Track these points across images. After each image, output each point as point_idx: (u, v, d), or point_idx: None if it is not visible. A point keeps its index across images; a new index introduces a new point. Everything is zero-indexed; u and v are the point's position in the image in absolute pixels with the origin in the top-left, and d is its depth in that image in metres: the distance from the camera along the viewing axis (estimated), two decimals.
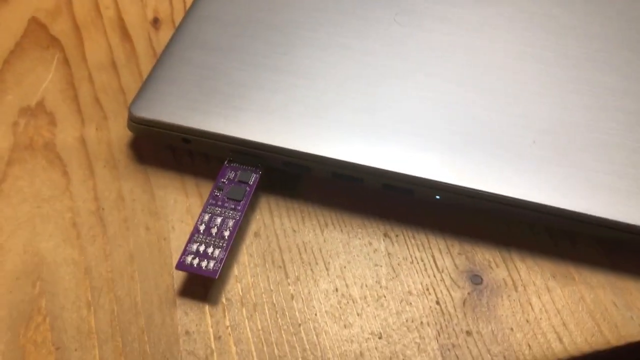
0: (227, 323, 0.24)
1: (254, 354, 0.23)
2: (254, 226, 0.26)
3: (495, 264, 0.25)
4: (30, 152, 0.29)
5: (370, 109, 0.27)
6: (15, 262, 0.25)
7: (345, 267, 0.25)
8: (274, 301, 0.24)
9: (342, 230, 0.26)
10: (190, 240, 0.25)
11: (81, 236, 0.26)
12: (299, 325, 0.24)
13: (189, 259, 0.24)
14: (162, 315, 0.24)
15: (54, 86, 0.31)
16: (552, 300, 0.24)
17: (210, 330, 0.24)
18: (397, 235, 0.26)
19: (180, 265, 0.24)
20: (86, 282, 0.25)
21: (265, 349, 0.23)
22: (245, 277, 0.25)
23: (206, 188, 0.28)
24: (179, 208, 0.27)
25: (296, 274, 0.25)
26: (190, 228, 0.26)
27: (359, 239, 0.26)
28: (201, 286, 0.25)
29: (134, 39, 0.33)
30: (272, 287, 0.25)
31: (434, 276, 0.25)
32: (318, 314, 0.24)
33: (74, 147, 0.29)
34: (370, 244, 0.26)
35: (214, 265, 0.24)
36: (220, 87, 0.27)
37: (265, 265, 0.25)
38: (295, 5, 0.31)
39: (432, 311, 0.24)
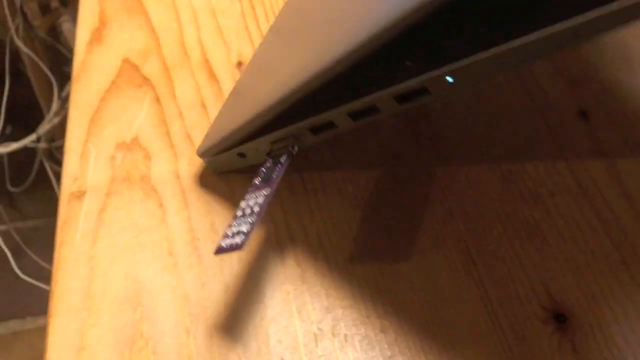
0: (319, 352, 0.25)
1: None
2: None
3: (580, 303, 0.26)
4: (127, 185, 0.30)
5: None
6: (117, 288, 0.27)
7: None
8: (364, 333, 0.25)
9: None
10: (228, 227, 0.25)
11: (178, 265, 0.27)
12: (390, 357, 0.25)
13: (223, 242, 0.25)
14: (257, 343, 0.25)
15: (148, 123, 0.33)
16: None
17: (304, 358, 0.25)
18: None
19: (218, 251, 0.24)
20: (184, 309, 0.26)
21: None
22: (335, 309, 0.26)
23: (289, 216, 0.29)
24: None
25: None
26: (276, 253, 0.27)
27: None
28: (292, 317, 0.26)
29: (220, 80, 0.35)
30: (363, 319, 0.26)
31: (525, 311, 0.26)
32: (412, 346, 0.25)
33: (168, 180, 0.31)
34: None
35: (242, 240, 0.24)
36: None
37: (353, 297, 0.26)
38: None
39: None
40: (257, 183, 0.27)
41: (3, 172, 1.13)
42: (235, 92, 0.31)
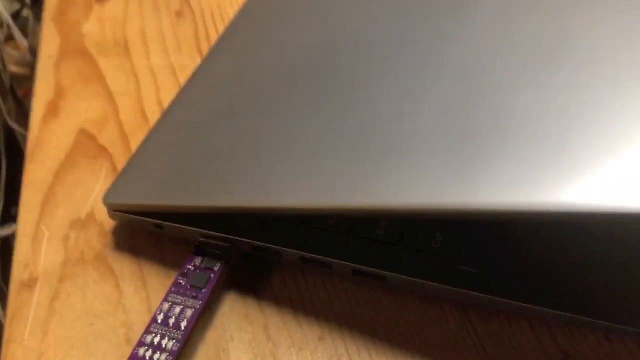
0: None
1: None
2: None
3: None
4: (81, 266, 0.28)
5: None
6: None
7: None
8: None
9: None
10: (147, 331, 0.23)
11: None
12: None
13: (141, 351, 0.23)
14: None
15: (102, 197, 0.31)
16: None
17: None
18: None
19: (133, 358, 0.23)
20: None
21: None
22: None
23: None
24: (234, 315, 0.25)
25: None
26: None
27: None
28: None
29: None
30: None
31: None
32: None
33: (125, 257, 0.28)
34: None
35: (165, 359, 0.22)
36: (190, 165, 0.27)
37: None
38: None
39: None
40: (182, 283, 0.25)
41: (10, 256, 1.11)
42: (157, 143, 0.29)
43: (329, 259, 0.24)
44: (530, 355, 0.22)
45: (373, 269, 0.24)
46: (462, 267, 0.23)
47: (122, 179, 0.28)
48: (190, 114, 0.30)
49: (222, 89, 0.30)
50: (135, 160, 0.29)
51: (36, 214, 0.30)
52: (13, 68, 0.97)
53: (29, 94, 1.00)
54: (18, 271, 0.28)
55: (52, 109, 0.36)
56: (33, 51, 0.94)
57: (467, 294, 0.23)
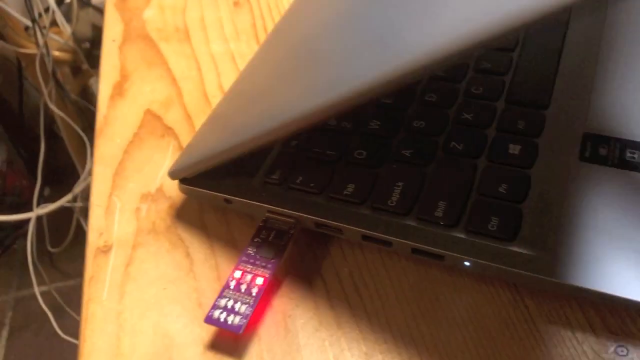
0: None
1: None
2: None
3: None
4: (153, 236, 0.30)
5: None
6: (146, 344, 0.26)
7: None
8: None
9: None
10: (220, 296, 0.25)
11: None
12: None
13: (216, 313, 0.25)
14: None
15: None
16: None
17: None
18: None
19: (208, 319, 0.25)
20: None
21: None
22: (374, 354, 0.24)
23: None
24: (299, 286, 0.27)
25: None
26: None
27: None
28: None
29: None
30: None
31: (574, 348, 0.24)
32: None
33: (194, 229, 0.30)
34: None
35: (239, 321, 0.24)
36: None
37: (393, 341, 0.25)
38: None
39: None
40: (251, 253, 0.26)
41: (43, 233, 1.15)
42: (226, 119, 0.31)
43: (390, 237, 0.26)
44: (582, 337, 0.24)
45: (432, 248, 0.25)
46: (518, 249, 0.24)
47: (187, 153, 0.30)
48: (252, 88, 0.31)
49: (279, 65, 0.32)
50: (199, 135, 0.31)
51: (108, 187, 0.32)
52: (55, 53, 1.00)
53: (69, 78, 1.03)
54: (93, 238, 0.30)
55: (118, 90, 0.38)
56: (76, 37, 0.97)
57: (522, 275, 0.24)
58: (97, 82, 1.02)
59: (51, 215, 1.07)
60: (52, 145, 1.06)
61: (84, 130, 1.02)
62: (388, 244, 0.26)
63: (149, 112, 0.36)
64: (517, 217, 0.25)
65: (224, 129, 0.29)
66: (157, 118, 0.36)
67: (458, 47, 0.17)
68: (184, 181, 0.30)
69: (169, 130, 0.35)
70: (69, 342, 1.02)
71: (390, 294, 0.26)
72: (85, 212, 1.12)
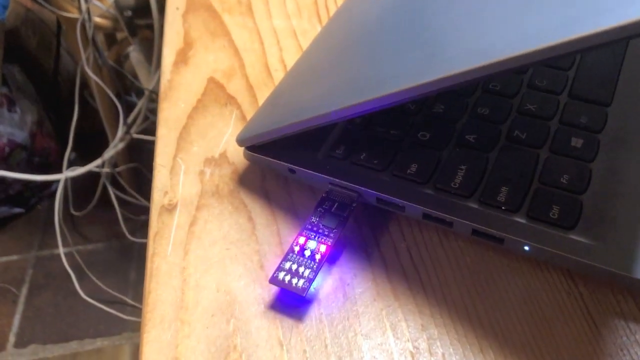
0: None
1: None
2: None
3: None
4: (217, 198, 0.31)
5: None
6: (209, 300, 0.27)
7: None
8: (463, 354, 0.24)
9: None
10: (285, 259, 0.26)
11: (268, 278, 0.27)
12: None
13: (281, 275, 0.26)
14: (351, 359, 0.24)
15: (234, 140, 0.33)
16: None
17: None
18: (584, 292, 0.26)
19: (273, 280, 0.26)
20: (277, 322, 0.26)
21: None
22: (430, 327, 0.25)
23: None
24: (357, 257, 0.28)
25: None
26: None
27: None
28: (387, 334, 0.25)
29: None
30: (460, 338, 0.25)
31: (627, 337, 0.24)
32: None
33: (256, 195, 0.31)
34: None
35: (303, 284, 0.25)
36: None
37: (449, 316, 0.26)
38: None
39: None
40: (315, 222, 0.27)
41: (67, 196, 1.17)
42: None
43: (452, 217, 0.27)
44: (635, 327, 0.25)
45: (493, 230, 0.26)
46: (577, 237, 0.25)
47: (255, 122, 0.31)
48: (318, 66, 0.32)
49: (345, 40, 0.32)
50: (267, 106, 0.32)
51: (172, 149, 0.33)
52: (96, 19, 1.01)
53: (104, 45, 1.04)
54: (158, 196, 0.31)
55: (182, 57, 0.39)
56: (118, 5, 0.98)
57: (580, 262, 0.25)
58: (134, 50, 1.04)
59: (76, 180, 1.09)
60: (82, 112, 1.07)
61: (117, 97, 1.03)
62: (449, 223, 0.27)
63: (212, 80, 0.37)
64: (578, 207, 0.26)
65: (292, 104, 0.30)
66: (220, 87, 0.37)
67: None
68: (250, 148, 0.31)
69: (231, 99, 0.36)
70: (88, 302, 1.04)
71: (447, 271, 0.27)
72: (111, 178, 1.14)
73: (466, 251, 0.28)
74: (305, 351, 0.25)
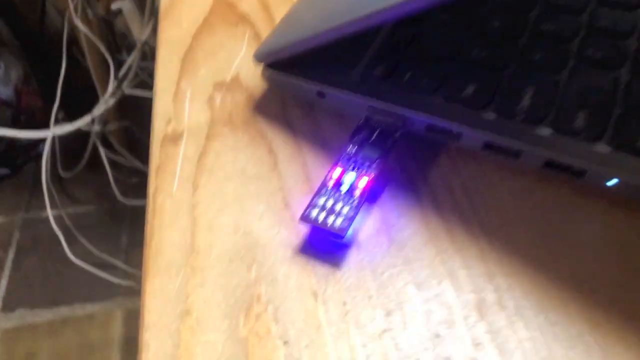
0: (484, 328, 0.19)
1: None
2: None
3: None
4: (230, 128, 0.26)
5: None
6: (226, 242, 0.22)
7: None
8: (539, 307, 0.20)
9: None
10: (317, 194, 0.22)
11: (297, 218, 0.22)
12: (577, 336, 0.19)
13: (314, 212, 0.21)
14: (402, 313, 0.20)
15: (249, 62, 0.28)
16: None
17: (466, 336, 0.19)
18: None
19: (305, 218, 0.21)
20: (309, 268, 0.21)
21: None
22: (497, 276, 0.21)
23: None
24: (402, 193, 0.23)
25: None
26: None
27: None
28: (444, 284, 0.21)
29: None
30: (534, 289, 0.20)
31: None
32: (604, 323, 0.19)
33: (277, 124, 0.26)
34: None
35: (342, 223, 0.21)
36: None
37: (519, 262, 0.21)
38: None
39: None
40: (352, 152, 0.23)
41: (55, 157, 1.11)
42: None
43: (520, 146, 0.22)
44: None
45: (572, 162, 0.21)
46: None
47: (278, 32, 0.26)
48: None
49: None
50: (293, 13, 0.27)
51: (175, 72, 0.28)
52: None
53: None
54: (160, 125, 0.26)
55: None
56: None
57: None
58: (124, 4, 0.97)
59: (64, 139, 1.03)
60: (70, 68, 1.01)
61: (108, 51, 0.97)
62: (515, 154, 0.22)
63: None
64: None
65: (324, 9, 0.25)
66: (230, 5, 0.32)
67: None
68: (270, 66, 0.26)
69: (243, 19, 0.31)
70: (78, 266, 1.00)
71: (513, 212, 0.22)
72: (101, 137, 1.08)
73: (535, 188, 0.23)
74: (344, 303, 0.20)
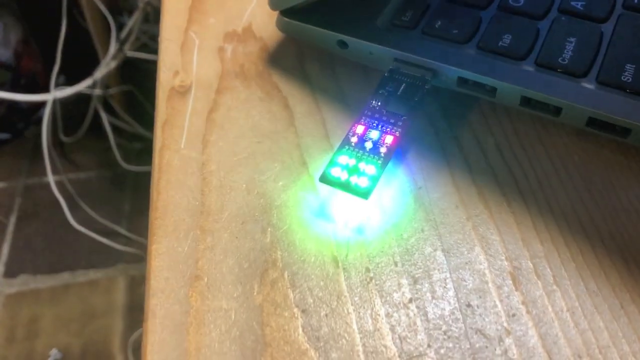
0: (519, 299, 0.18)
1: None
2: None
3: None
4: (242, 81, 0.24)
5: None
6: (238, 203, 0.20)
7: None
8: (580, 276, 0.18)
9: None
10: (339, 152, 0.20)
11: (316, 178, 0.21)
12: (620, 308, 0.18)
13: (335, 171, 0.19)
14: (431, 282, 0.18)
15: (263, 10, 0.26)
16: None
17: (500, 306, 0.18)
18: None
19: (325, 178, 0.19)
20: (329, 231, 0.19)
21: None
22: (533, 242, 0.19)
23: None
24: (428, 152, 0.21)
25: None
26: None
27: None
28: (475, 251, 0.19)
29: None
30: (574, 257, 0.19)
31: None
32: None
33: (293, 77, 0.24)
34: None
35: (366, 183, 0.19)
36: None
37: (557, 228, 0.19)
38: None
39: None
40: (376, 107, 0.21)
41: (56, 121, 1.09)
42: None
43: (563, 101, 0.20)
44: None
45: (618, 118, 0.19)
46: None
47: None
48: None
49: None
50: None
51: (183, 20, 0.26)
52: None
53: None
54: (166, 76, 0.24)
55: None
56: None
57: None
58: None
59: (65, 104, 1.01)
60: (71, 32, 0.98)
61: (109, 11, 0.94)
62: (556, 111, 0.20)
63: None
64: None
65: None
66: None
67: None
68: (287, 14, 0.23)
69: None
70: (80, 233, 0.99)
71: (551, 173, 0.21)
72: (103, 101, 1.06)
73: (574, 148, 0.21)
74: (368, 269, 0.19)
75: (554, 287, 0.18)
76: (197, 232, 0.20)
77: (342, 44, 0.23)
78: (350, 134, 0.20)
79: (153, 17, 0.96)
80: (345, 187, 0.19)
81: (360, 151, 0.20)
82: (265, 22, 0.26)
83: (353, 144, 0.20)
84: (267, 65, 0.24)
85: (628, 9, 0.22)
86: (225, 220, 0.20)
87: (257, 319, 0.18)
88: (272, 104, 0.23)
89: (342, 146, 0.20)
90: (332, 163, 0.20)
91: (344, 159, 0.20)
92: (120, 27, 0.98)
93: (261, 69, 0.24)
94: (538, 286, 0.18)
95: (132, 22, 0.93)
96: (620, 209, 0.20)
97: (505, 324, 0.17)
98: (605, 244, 0.19)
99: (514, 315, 0.18)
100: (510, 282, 0.18)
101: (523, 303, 0.18)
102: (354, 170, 0.19)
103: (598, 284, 0.18)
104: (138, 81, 1.10)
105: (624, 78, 0.20)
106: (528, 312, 0.18)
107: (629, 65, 0.20)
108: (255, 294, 0.18)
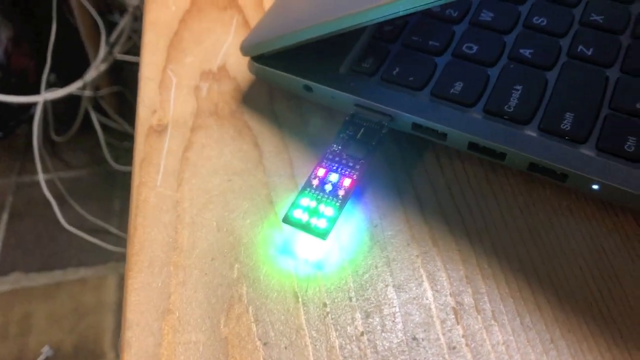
0: (461, 332, 0.20)
1: None
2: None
3: None
4: (215, 119, 0.26)
5: None
6: (209, 240, 0.22)
7: None
8: (516, 311, 0.20)
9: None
10: (301, 194, 0.22)
11: (281, 217, 0.23)
12: (550, 342, 0.20)
13: (297, 213, 0.21)
14: (381, 316, 0.20)
15: (236, 50, 0.28)
16: None
17: (442, 339, 0.20)
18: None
19: (287, 219, 0.21)
20: (291, 269, 0.21)
21: None
22: (476, 279, 0.21)
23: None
24: (388, 195, 0.23)
25: None
26: None
27: None
28: (423, 286, 0.21)
29: None
30: (512, 293, 0.21)
31: None
32: (576, 329, 0.20)
33: (264, 117, 0.26)
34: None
35: (325, 225, 0.21)
36: None
37: (499, 265, 0.21)
38: None
39: None
40: (337, 150, 0.22)
41: (47, 121, 1.10)
42: None
43: (506, 147, 0.22)
44: None
45: (556, 164, 0.21)
46: None
47: (265, 25, 0.26)
48: None
49: None
50: (280, 6, 0.26)
51: (162, 58, 0.28)
52: None
53: None
54: (145, 114, 0.26)
55: None
56: None
57: None
58: None
59: (56, 103, 1.02)
60: (61, 31, 0.99)
61: (99, 15, 0.95)
62: (500, 155, 0.22)
63: None
64: None
65: (311, 3, 0.24)
66: None
67: None
68: (257, 60, 0.25)
69: (232, 3, 0.30)
70: (69, 232, 1.00)
71: (496, 213, 0.22)
72: (93, 102, 1.07)
73: (519, 190, 0.23)
74: (325, 305, 0.21)
75: (492, 321, 0.20)
76: (171, 268, 0.21)
77: (307, 89, 0.25)
78: (312, 176, 0.22)
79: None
80: (306, 228, 0.21)
81: (321, 194, 0.22)
82: (238, 62, 0.27)
83: (314, 187, 0.22)
84: (239, 105, 0.26)
85: (572, 57, 0.24)
86: (196, 256, 0.22)
87: (223, 351, 0.20)
88: (243, 143, 0.25)
89: (304, 188, 0.22)
90: (294, 205, 0.21)
91: (305, 201, 0.22)
92: (110, 26, 0.99)
93: (234, 108, 0.26)
94: (478, 320, 0.20)
95: (122, 25, 0.94)
96: (558, 249, 0.22)
97: (446, 356, 0.19)
98: (541, 282, 0.21)
99: (454, 348, 0.20)
100: (453, 316, 0.20)
101: (463, 336, 0.20)
102: (314, 212, 0.21)
103: (532, 319, 0.20)
104: (128, 81, 1.11)
105: (563, 126, 0.22)
106: (467, 345, 0.20)
107: (568, 113, 0.22)
108: (221, 327, 0.20)
